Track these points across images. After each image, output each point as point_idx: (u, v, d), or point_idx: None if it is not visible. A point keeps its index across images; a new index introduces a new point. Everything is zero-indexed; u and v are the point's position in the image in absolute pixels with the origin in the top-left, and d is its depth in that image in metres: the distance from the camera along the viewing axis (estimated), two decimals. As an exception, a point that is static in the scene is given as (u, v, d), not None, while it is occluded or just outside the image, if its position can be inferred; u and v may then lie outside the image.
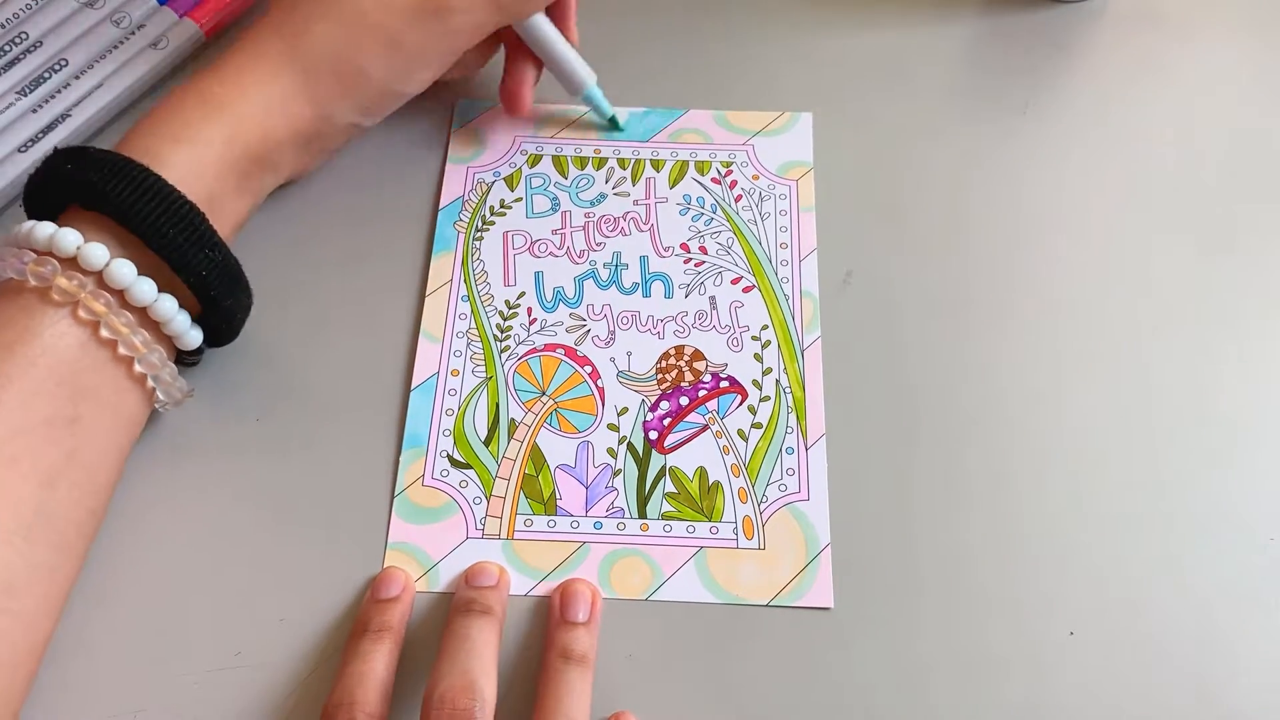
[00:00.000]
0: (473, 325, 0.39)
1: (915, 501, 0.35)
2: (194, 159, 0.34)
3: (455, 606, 0.33)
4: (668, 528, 0.35)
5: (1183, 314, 0.39)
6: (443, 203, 0.42)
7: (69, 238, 0.32)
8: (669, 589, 0.34)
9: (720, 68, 0.46)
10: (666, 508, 0.36)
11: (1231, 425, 0.37)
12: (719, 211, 0.42)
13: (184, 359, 0.37)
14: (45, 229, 0.32)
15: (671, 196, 0.42)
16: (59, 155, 0.33)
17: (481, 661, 0.30)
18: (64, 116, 0.42)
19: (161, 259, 0.33)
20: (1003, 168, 0.43)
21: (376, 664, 0.31)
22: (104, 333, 0.32)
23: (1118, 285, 0.40)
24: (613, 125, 0.43)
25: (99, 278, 0.32)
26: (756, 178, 0.43)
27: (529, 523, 0.35)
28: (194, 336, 0.35)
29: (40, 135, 0.41)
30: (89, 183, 0.32)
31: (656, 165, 0.43)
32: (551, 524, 0.35)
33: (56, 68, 0.43)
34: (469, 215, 0.42)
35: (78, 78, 0.43)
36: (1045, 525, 0.35)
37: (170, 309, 0.33)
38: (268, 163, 0.37)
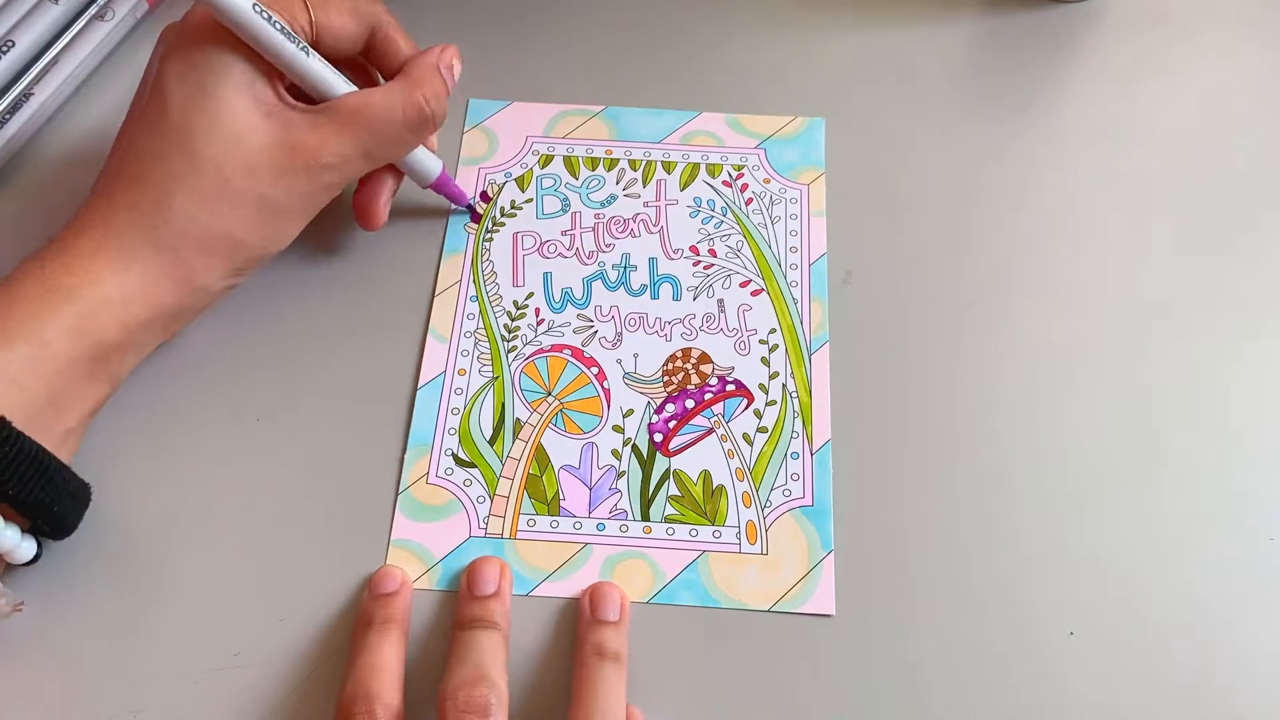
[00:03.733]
0: (480, 325, 0.39)
1: (918, 509, 0.35)
2: (32, 358, 0.31)
3: (459, 621, 0.32)
4: (670, 531, 0.35)
5: (1183, 313, 0.39)
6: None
7: None
8: (670, 592, 0.34)
9: (732, 70, 0.45)
10: (670, 511, 0.36)
11: (1232, 425, 0.37)
12: (729, 214, 0.42)
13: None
14: None
15: (682, 199, 0.42)
16: None
17: (493, 661, 0.31)
18: (25, 96, 0.42)
19: None
20: (1004, 168, 0.43)
21: (386, 655, 0.31)
22: None
23: (1119, 285, 0.40)
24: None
25: None
26: (768, 181, 0.42)
27: (532, 523, 0.35)
28: (25, 550, 0.31)
29: (6, 117, 0.42)
30: None
31: (668, 167, 0.43)
32: (554, 524, 0.35)
33: (4, 49, 0.43)
34: (480, 215, 0.42)
35: (34, 60, 0.43)
36: (1046, 526, 0.35)
37: None
38: (128, 347, 0.34)
